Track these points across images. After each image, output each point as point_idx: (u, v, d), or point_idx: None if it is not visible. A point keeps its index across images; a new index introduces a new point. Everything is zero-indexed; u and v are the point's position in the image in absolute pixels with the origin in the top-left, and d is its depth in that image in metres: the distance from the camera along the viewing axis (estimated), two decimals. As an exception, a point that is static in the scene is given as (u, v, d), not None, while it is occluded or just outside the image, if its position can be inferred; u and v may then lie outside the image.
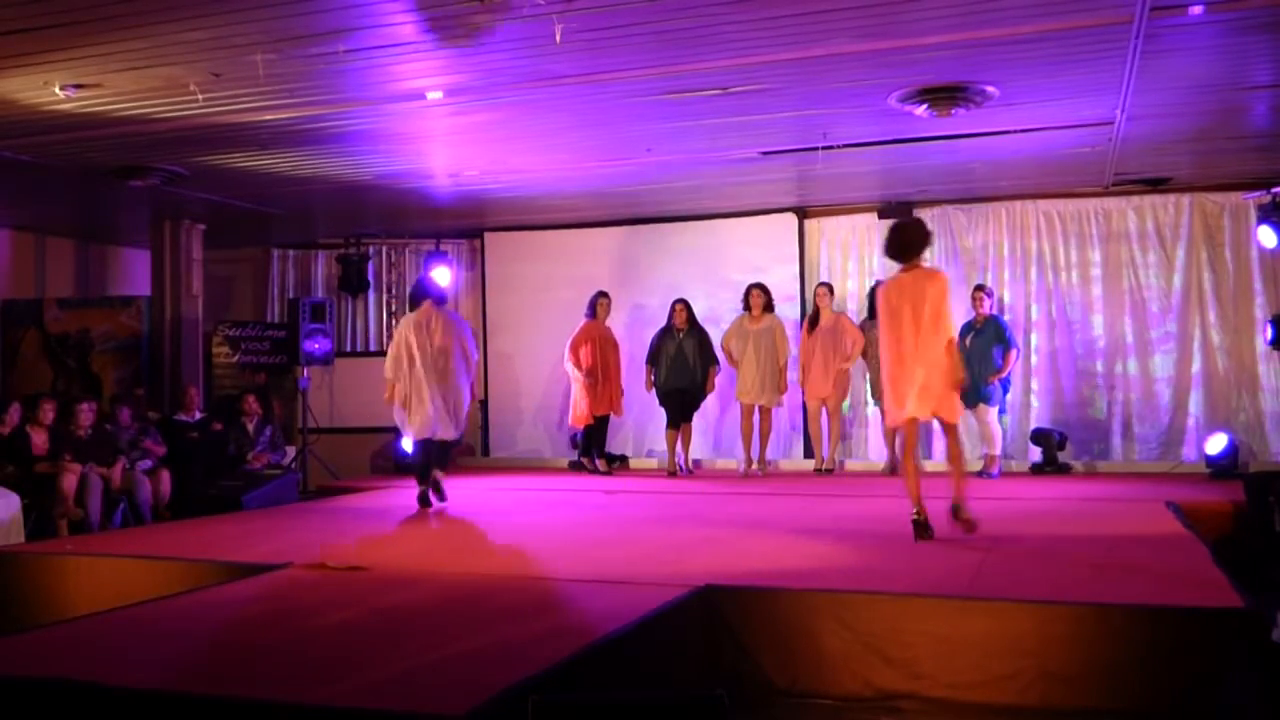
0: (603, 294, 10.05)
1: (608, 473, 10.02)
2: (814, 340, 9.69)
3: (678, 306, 9.84)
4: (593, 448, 10.15)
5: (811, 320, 9.82)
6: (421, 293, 7.86)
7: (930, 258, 9.53)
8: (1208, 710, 4.01)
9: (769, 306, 9.72)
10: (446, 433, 7.68)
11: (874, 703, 4.32)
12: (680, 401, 9.80)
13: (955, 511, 5.92)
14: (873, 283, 10.05)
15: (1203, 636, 4.10)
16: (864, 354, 9.66)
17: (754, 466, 9.72)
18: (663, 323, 9.94)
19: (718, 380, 9.89)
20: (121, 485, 8.60)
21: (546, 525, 7.20)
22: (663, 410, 9.96)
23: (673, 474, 9.80)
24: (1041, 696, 4.15)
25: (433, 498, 7.75)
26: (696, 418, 10.02)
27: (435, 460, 7.76)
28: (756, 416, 9.73)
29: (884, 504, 7.76)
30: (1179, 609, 4.24)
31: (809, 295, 10.44)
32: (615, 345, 10.02)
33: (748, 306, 9.74)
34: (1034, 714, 4.13)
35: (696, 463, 10.35)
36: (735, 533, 6.51)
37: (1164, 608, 4.27)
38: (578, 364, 9.79)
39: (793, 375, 9.83)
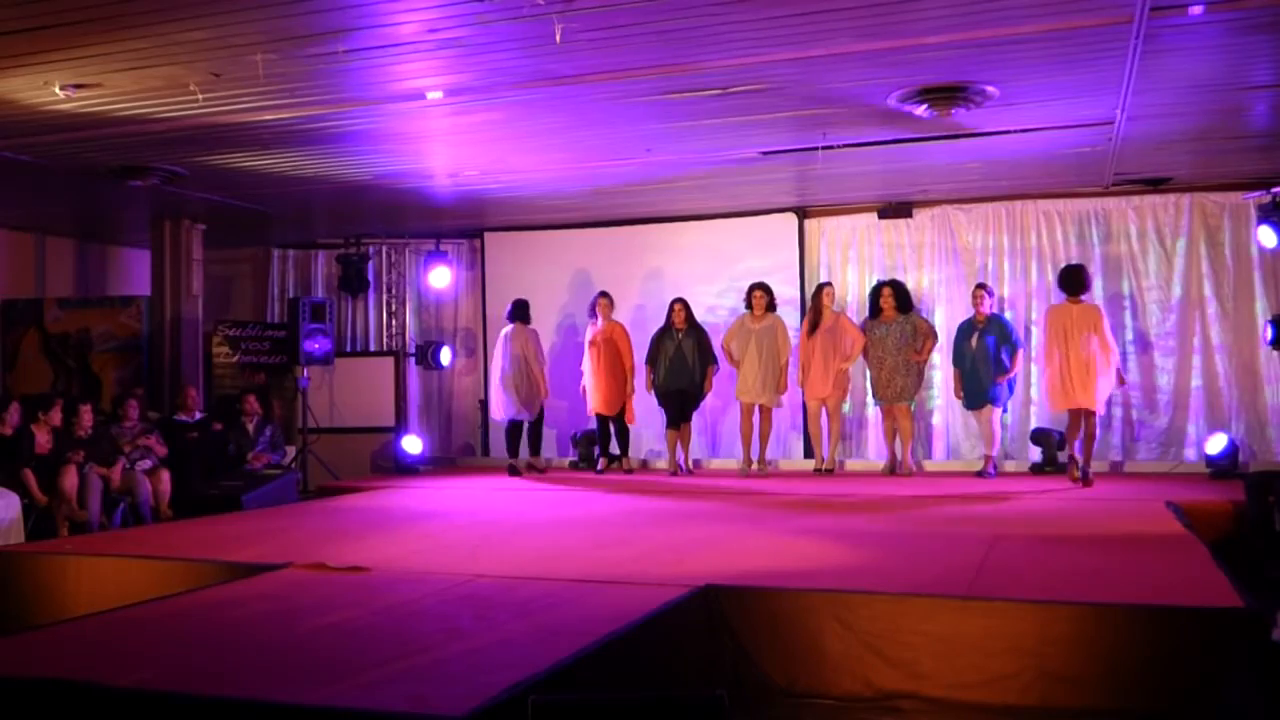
0: (599, 295, 10.07)
1: (601, 471, 10.14)
2: (814, 340, 9.61)
3: (676, 306, 9.83)
4: (596, 445, 10.31)
5: (812, 320, 9.72)
6: (516, 313, 10.15)
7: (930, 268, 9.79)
8: (1208, 710, 4.01)
9: (771, 306, 9.69)
10: (522, 415, 9.98)
11: (874, 703, 4.32)
12: (679, 402, 9.79)
13: (1084, 477, 8.22)
14: (874, 283, 10.02)
15: (1203, 636, 4.10)
16: (865, 354, 9.62)
17: (754, 466, 9.72)
18: (662, 323, 9.94)
19: (716, 380, 9.89)
20: (121, 485, 8.60)
21: (546, 525, 7.20)
22: (662, 410, 9.97)
23: (674, 473, 9.81)
24: (1041, 696, 4.16)
25: (529, 473, 10.10)
26: (696, 417, 10.03)
27: (529, 442, 10.17)
28: (756, 416, 9.71)
29: (884, 504, 7.77)
30: (1179, 609, 4.24)
31: (809, 295, 10.42)
32: (614, 345, 9.92)
33: (750, 306, 9.71)
34: (1034, 714, 4.14)
35: (696, 462, 10.35)
36: (735, 533, 6.51)
37: (1164, 608, 4.27)
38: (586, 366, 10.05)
39: (792, 375, 9.80)
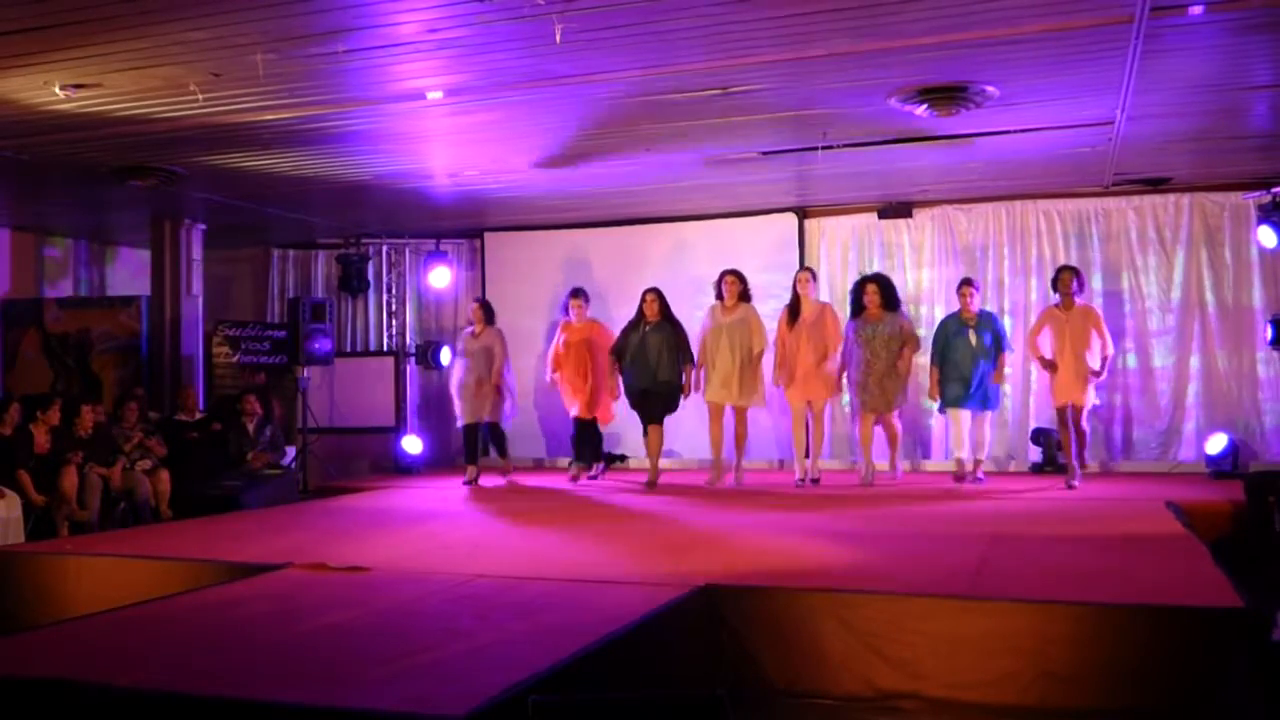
0: (572, 292, 9.45)
1: (595, 478, 9.59)
2: (796, 334, 8.64)
3: (648, 297, 8.93)
4: (576, 450, 9.64)
5: (792, 310, 8.74)
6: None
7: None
8: (1208, 710, 4.01)
9: (745, 295, 8.80)
10: (492, 417, 9.51)
11: (874, 703, 4.32)
12: (644, 403, 8.92)
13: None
14: (857, 278, 9.41)
15: (1203, 636, 4.10)
16: (847, 356, 8.72)
17: (735, 474, 8.83)
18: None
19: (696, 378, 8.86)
20: (121, 485, 8.60)
21: (546, 525, 7.20)
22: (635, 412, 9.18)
23: (649, 485, 8.96)
24: (1041, 696, 4.15)
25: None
26: (691, 419, 9.48)
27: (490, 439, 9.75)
28: (729, 418, 8.78)
29: (883, 504, 7.77)
30: (1179, 609, 4.24)
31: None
32: (593, 346, 9.28)
33: (720, 295, 8.81)
34: (1034, 714, 4.14)
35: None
36: (735, 533, 6.50)
37: (1164, 608, 4.27)
38: (553, 364, 9.47)
39: (769, 373, 8.92)
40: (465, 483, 9.41)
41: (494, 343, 9.44)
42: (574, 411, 9.46)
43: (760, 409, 9.23)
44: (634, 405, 9.07)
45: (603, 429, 9.75)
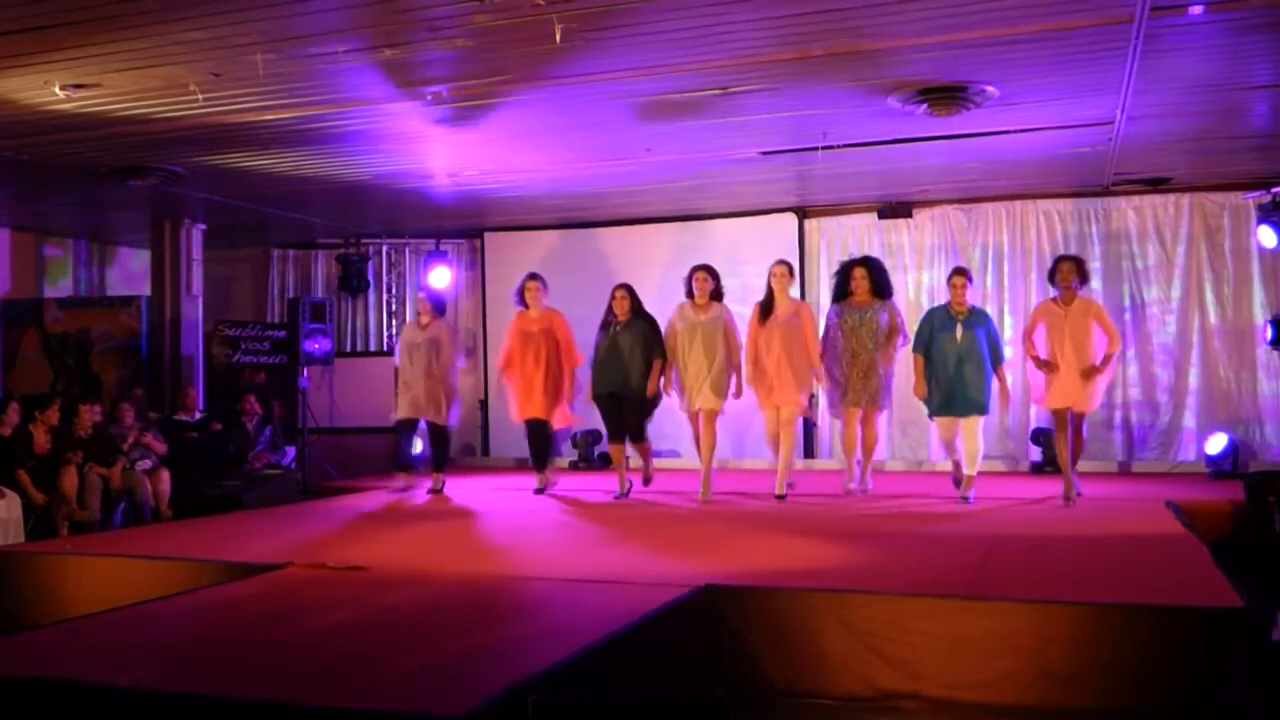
0: (529, 276, 8.65)
1: (540, 490, 8.66)
2: (768, 332, 7.92)
3: (619, 293, 8.19)
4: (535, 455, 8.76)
5: (764, 307, 8.02)
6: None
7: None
8: (1208, 710, 4.01)
9: (717, 293, 8.08)
10: (435, 419, 8.77)
11: (874, 703, 4.32)
12: (613, 408, 8.18)
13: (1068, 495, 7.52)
14: (843, 260, 8.76)
15: (1203, 636, 4.10)
16: (827, 351, 8.01)
17: (705, 497, 8.03)
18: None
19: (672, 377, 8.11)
20: (121, 485, 8.60)
21: (546, 525, 7.20)
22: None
23: (621, 495, 8.32)
24: (1041, 696, 4.16)
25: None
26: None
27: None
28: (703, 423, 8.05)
29: (883, 505, 7.76)
30: (1179, 609, 4.24)
31: (809, 295, 10.38)
32: (551, 337, 8.39)
33: (690, 293, 8.06)
34: (1034, 714, 4.14)
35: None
36: (735, 533, 6.51)
37: (1164, 608, 4.27)
38: (503, 360, 8.59)
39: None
40: (399, 489, 8.70)
41: (442, 336, 8.63)
42: (525, 414, 8.51)
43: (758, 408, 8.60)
44: (605, 413, 8.32)
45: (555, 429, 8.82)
